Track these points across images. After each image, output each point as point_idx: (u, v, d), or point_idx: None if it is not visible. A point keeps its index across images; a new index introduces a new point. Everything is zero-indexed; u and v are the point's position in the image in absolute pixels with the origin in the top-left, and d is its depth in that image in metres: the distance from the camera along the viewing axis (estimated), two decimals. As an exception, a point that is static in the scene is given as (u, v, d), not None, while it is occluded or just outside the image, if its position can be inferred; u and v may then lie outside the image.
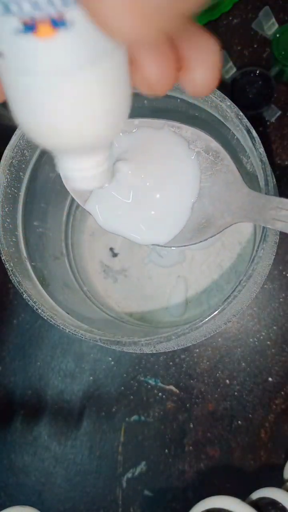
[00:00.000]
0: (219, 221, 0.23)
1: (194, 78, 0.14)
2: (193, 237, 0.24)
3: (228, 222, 0.23)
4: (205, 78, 0.14)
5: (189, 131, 0.24)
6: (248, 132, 0.24)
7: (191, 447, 0.37)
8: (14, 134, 0.27)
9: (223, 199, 0.23)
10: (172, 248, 0.37)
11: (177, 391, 0.38)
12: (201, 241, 0.24)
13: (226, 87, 0.37)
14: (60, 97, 0.12)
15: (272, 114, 0.37)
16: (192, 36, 0.14)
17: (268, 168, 0.24)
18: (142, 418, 0.38)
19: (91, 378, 0.39)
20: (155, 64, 0.13)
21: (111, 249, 0.39)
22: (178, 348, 0.26)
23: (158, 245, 0.24)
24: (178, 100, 0.27)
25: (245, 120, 0.25)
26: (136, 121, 0.24)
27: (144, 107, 0.29)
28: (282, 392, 0.37)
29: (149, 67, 0.13)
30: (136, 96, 0.28)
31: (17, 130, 0.27)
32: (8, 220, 0.27)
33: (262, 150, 0.24)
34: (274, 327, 0.37)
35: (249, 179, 0.30)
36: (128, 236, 0.24)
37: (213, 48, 0.14)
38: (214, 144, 0.24)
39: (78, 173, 0.16)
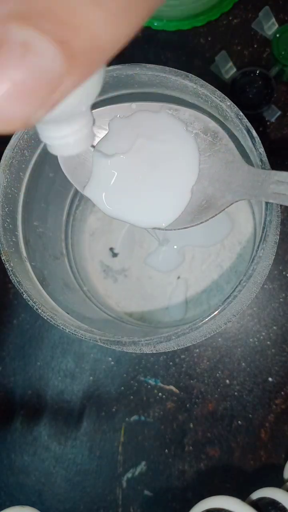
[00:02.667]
0: (219, 201, 0.23)
1: None
2: (194, 218, 0.24)
3: (229, 200, 0.23)
4: None
5: (186, 112, 0.24)
6: (248, 132, 0.24)
7: (191, 447, 0.37)
8: (14, 134, 0.27)
9: (222, 179, 0.23)
10: (174, 249, 0.37)
11: (177, 391, 0.38)
12: (202, 222, 0.24)
13: (226, 87, 0.37)
14: None
15: (272, 114, 0.37)
16: None
17: (268, 168, 0.24)
18: (142, 418, 0.38)
19: (91, 378, 0.39)
20: None
21: (111, 249, 0.39)
22: (178, 348, 0.26)
23: (159, 229, 0.24)
24: (178, 100, 0.27)
25: (245, 120, 0.25)
26: (134, 105, 0.24)
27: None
28: (282, 392, 0.37)
29: None
30: (137, 96, 0.28)
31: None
32: (8, 220, 0.27)
33: (262, 150, 0.24)
34: (274, 327, 0.37)
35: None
36: (129, 220, 0.24)
37: None
38: (212, 125, 0.24)
39: (60, 140, 0.17)
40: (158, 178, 0.23)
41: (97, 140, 0.24)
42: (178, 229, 0.24)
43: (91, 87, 0.15)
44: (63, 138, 0.17)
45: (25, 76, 0.09)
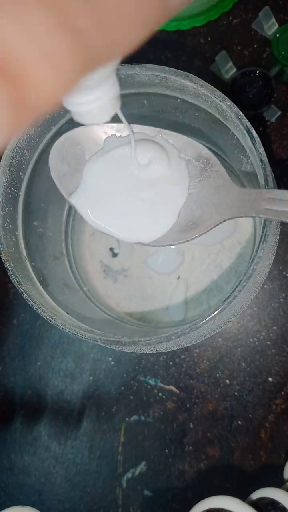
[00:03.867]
0: (207, 221, 0.24)
1: None
2: (180, 237, 0.25)
3: (217, 220, 0.24)
4: None
5: (181, 140, 0.25)
6: (248, 132, 0.24)
7: (191, 447, 0.37)
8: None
9: (211, 202, 0.24)
10: (174, 252, 0.37)
11: (177, 391, 0.38)
12: (186, 241, 0.24)
13: (226, 87, 0.37)
14: None
15: (272, 114, 0.37)
16: None
17: (268, 168, 0.24)
18: (142, 418, 0.38)
19: (91, 378, 0.39)
20: None
21: (111, 249, 0.39)
22: (178, 348, 0.26)
23: (141, 244, 0.25)
24: (178, 100, 0.27)
25: (245, 120, 0.25)
26: (135, 128, 0.24)
27: (144, 106, 0.29)
28: (282, 392, 0.37)
29: None
30: (137, 96, 0.28)
31: (17, 130, 0.27)
32: (8, 220, 0.27)
33: (262, 150, 0.24)
34: (274, 327, 0.37)
35: (249, 179, 0.30)
36: (111, 232, 0.25)
37: None
38: (205, 152, 0.24)
39: (86, 106, 0.18)
40: (146, 198, 0.24)
41: (92, 153, 0.25)
42: (161, 245, 0.25)
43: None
44: (89, 104, 0.18)
45: None
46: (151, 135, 0.24)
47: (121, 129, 0.24)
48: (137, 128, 0.25)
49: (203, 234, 0.24)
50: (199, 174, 0.24)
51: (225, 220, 0.24)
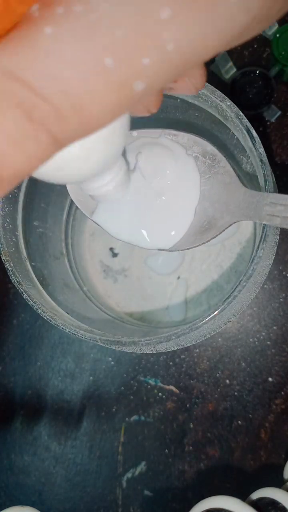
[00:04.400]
0: (219, 221, 0.24)
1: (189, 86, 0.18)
2: (196, 239, 0.25)
3: (228, 221, 0.24)
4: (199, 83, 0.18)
5: (185, 137, 0.24)
6: (248, 132, 0.24)
7: (191, 447, 0.37)
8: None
9: (222, 200, 0.24)
10: (173, 252, 0.37)
11: (177, 391, 0.38)
12: (203, 243, 0.24)
13: (226, 87, 0.37)
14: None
15: (272, 114, 0.37)
16: None
17: (268, 168, 0.24)
18: (142, 418, 0.38)
19: (91, 378, 0.39)
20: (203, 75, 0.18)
21: (111, 249, 0.39)
22: (178, 348, 0.26)
23: (164, 250, 0.25)
24: (178, 100, 0.27)
25: (245, 120, 0.25)
26: (135, 132, 0.24)
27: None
28: (282, 392, 0.37)
29: (201, 78, 0.18)
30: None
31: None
32: (8, 220, 0.27)
33: (262, 150, 0.24)
34: (274, 327, 0.37)
35: (249, 179, 0.30)
36: (135, 242, 0.25)
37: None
38: (210, 148, 0.24)
39: (102, 188, 0.20)
40: (163, 202, 0.24)
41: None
42: (182, 250, 0.25)
43: (117, 142, 0.17)
44: (103, 187, 0.20)
45: None
46: (154, 137, 0.24)
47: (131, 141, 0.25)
48: (140, 132, 0.24)
49: (217, 235, 0.24)
50: (208, 170, 0.24)
51: (235, 222, 0.24)
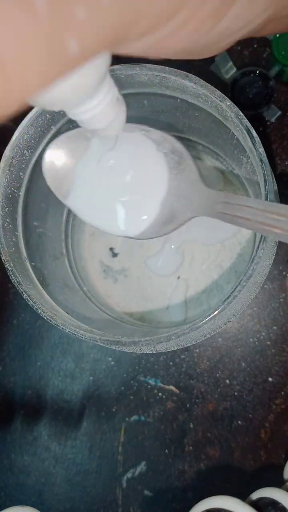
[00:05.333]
0: (180, 216, 0.26)
1: None
2: (160, 230, 0.26)
3: (188, 216, 0.25)
4: None
5: (157, 134, 0.26)
6: (248, 132, 0.24)
7: (191, 447, 0.37)
8: (14, 134, 0.27)
9: (188, 196, 0.25)
10: (173, 253, 0.38)
11: (177, 391, 0.38)
12: (165, 234, 0.26)
13: (226, 87, 0.37)
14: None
15: (272, 114, 0.37)
16: None
17: (268, 168, 0.24)
18: (142, 418, 0.38)
19: (91, 378, 0.39)
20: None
21: (111, 249, 0.39)
22: (178, 348, 0.26)
23: (129, 237, 0.26)
24: (178, 100, 0.27)
25: (245, 120, 0.25)
26: None
27: (145, 106, 0.29)
28: (282, 392, 0.37)
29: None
30: (137, 96, 0.28)
31: (17, 130, 0.27)
32: (8, 220, 0.27)
33: (262, 150, 0.24)
34: (274, 327, 0.37)
35: (249, 179, 0.30)
36: (102, 227, 0.26)
37: None
38: (178, 145, 0.26)
39: (89, 113, 0.19)
40: (132, 192, 0.26)
41: (83, 155, 0.26)
42: (145, 238, 0.27)
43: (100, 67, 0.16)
44: (90, 111, 0.19)
45: None
46: (129, 131, 0.25)
47: None
48: None
49: (176, 228, 0.26)
50: (176, 166, 0.25)
51: (193, 217, 0.25)
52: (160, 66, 0.25)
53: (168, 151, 0.26)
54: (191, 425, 0.37)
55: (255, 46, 0.38)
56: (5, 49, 0.09)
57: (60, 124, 0.28)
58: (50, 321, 0.25)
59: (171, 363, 0.38)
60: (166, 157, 0.25)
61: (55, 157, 0.26)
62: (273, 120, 0.38)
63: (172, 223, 0.26)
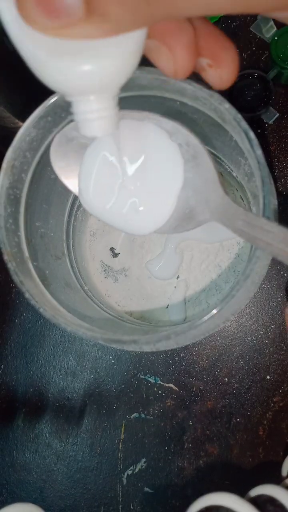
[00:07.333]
0: (200, 216, 0.24)
1: (221, 75, 0.19)
2: (178, 226, 0.25)
3: (207, 219, 0.24)
4: (230, 74, 0.19)
5: (169, 124, 0.24)
6: (246, 134, 0.25)
7: (190, 444, 0.38)
8: (16, 136, 0.27)
9: (204, 194, 0.24)
10: (172, 257, 0.38)
11: (177, 389, 0.38)
12: (185, 231, 0.24)
13: (224, 89, 0.37)
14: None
15: (271, 117, 0.38)
16: (218, 37, 0.18)
17: (266, 170, 0.24)
18: (142, 415, 0.38)
19: (92, 376, 0.39)
20: (185, 51, 0.17)
21: (111, 249, 0.39)
22: (178, 346, 0.27)
23: (142, 235, 0.25)
24: (178, 102, 0.28)
25: (244, 122, 0.25)
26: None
27: (144, 109, 0.29)
28: (280, 390, 0.37)
29: (180, 52, 0.18)
30: (136, 98, 0.28)
31: (19, 131, 0.27)
32: (10, 220, 0.27)
33: (260, 152, 0.25)
34: (272, 326, 0.37)
35: (247, 180, 0.30)
36: (117, 227, 0.25)
37: (235, 51, 0.18)
38: (193, 139, 0.24)
39: (95, 113, 0.19)
40: (146, 185, 0.24)
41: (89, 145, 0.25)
42: (162, 233, 0.25)
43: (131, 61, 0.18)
44: (100, 111, 0.19)
45: None
46: (138, 119, 0.24)
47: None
48: (124, 113, 0.24)
49: (195, 227, 0.24)
50: (192, 159, 0.24)
51: (212, 221, 0.24)
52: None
53: (182, 143, 0.24)
54: (190, 423, 0.38)
55: (254, 48, 0.39)
56: None
57: (61, 126, 0.29)
58: (52, 320, 0.26)
59: (170, 361, 0.38)
60: (181, 148, 0.24)
61: (63, 145, 0.25)
62: (271, 122, 0.38)
63: (191, 221, 0.24)
